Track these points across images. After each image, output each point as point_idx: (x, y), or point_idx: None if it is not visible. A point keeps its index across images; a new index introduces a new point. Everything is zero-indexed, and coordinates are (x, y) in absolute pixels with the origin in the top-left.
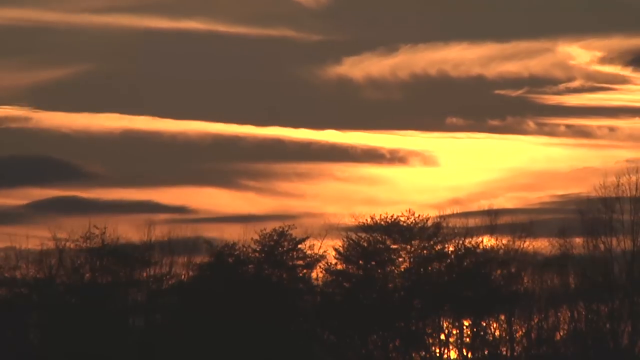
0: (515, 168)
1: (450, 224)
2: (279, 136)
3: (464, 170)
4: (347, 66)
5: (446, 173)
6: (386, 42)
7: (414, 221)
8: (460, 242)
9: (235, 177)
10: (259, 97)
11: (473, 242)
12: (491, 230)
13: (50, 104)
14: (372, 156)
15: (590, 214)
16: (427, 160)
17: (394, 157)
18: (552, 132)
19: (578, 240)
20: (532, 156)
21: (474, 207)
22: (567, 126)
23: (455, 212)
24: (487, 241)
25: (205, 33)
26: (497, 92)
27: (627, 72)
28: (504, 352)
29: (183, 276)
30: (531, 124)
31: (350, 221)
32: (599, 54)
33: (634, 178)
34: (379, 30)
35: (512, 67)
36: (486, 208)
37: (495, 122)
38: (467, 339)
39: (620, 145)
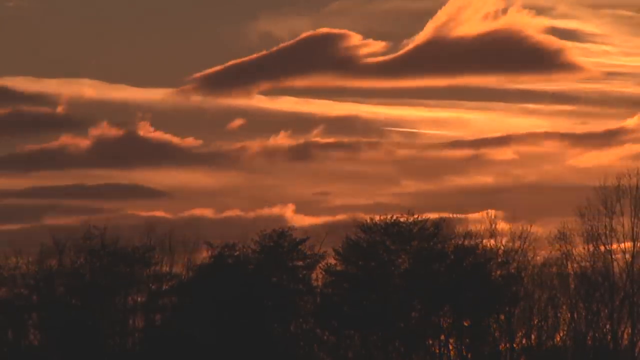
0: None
1: (449, 224)
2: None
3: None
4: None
5: (426, 146)
6: None
7: (413, 222)
8: (461, 241)
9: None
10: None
11: (473, 242)
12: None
13: None
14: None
15: (591, 215)
16: (404, 134)
17: (370, 129)
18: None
19: (578, 241)
20: (514, 126)
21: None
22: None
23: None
24: (487, 242)
25: None
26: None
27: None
28: (504, 353)
29: (183, 276)
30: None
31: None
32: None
33: (634, 179)
34: None
35: (461, 24)
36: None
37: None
38: (467, 340)
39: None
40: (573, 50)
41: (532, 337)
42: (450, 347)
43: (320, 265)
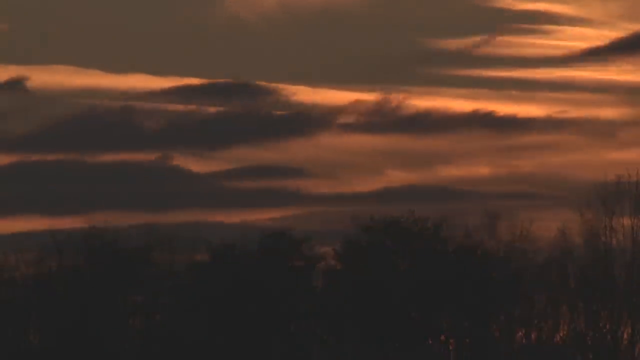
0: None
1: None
2: None
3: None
4: None
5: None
6: None
7: (413, 222)
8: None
9: None
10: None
11: (473, 242)
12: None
13: None
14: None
15: (590, 214)
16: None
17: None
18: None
19: (578, 241)
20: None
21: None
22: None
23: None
24: (487, 242)
25: None
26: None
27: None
28: (504, 353)
29: (183, 276)
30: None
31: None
32: None
33: (634, 178)
34: None
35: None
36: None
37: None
38: (467, 340)
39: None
40: None
41: (532, 337)
42: (450, 347)
43: (320, 265)
